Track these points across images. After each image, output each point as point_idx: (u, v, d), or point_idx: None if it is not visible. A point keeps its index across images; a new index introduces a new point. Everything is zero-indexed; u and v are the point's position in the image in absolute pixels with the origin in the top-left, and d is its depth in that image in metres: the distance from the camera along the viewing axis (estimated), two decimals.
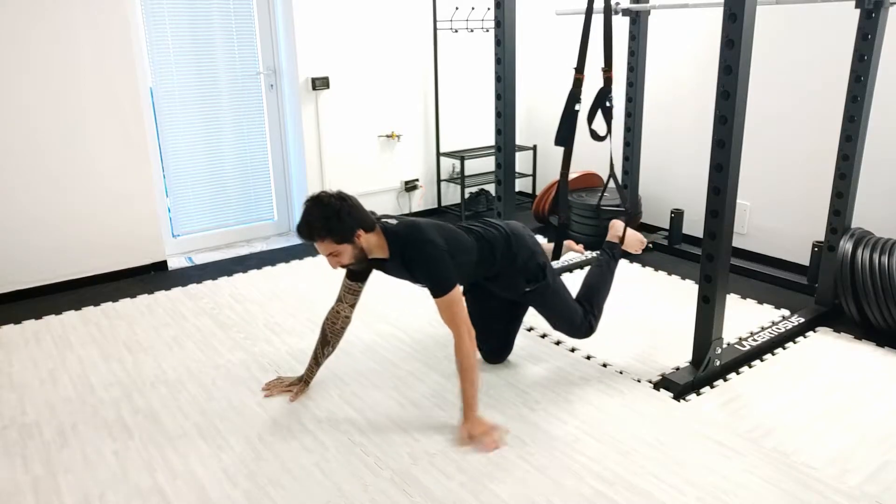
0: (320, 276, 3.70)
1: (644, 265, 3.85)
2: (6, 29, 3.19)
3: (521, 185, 5.41)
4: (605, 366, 2.69)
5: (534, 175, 5.24)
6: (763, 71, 3.56)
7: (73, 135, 3.46)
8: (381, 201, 4.76)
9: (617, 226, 2.85)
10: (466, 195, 5.03)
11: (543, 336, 2.95)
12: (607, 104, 2.56)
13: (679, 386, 2.48)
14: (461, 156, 4.78)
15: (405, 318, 3.16)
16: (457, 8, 4.70)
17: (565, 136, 2.60)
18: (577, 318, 2.59)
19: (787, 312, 3.18)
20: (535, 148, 5.12)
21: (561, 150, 2.68)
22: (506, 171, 3.15)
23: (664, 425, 2.28)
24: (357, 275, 2.41)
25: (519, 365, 2.69)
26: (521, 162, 5.23)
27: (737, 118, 2.26)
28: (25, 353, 2.87)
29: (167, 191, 4.06)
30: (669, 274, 3.71)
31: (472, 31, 4.82)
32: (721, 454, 2.12)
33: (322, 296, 3.44)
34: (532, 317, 2.77)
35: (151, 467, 2.10)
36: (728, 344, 2.77)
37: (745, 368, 2.68)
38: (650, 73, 4.03)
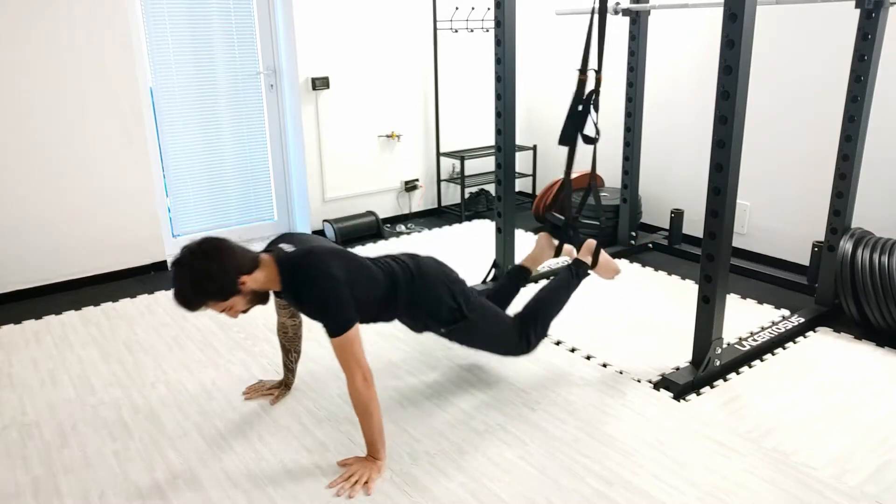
0: None
1: (644, 265, 3.85)
2: (6, 29, 3.19)
3: (521, 185, 5.41)
4: (605, 366, 2.69)
5: (534, 175, 5.24)
6: (763, 71, 3.56)
7: (73, 135, 3.46)
8: (381, 201, 4.76)
9: (590, 245, 2.68)
10: (466, 195, 5.03)
11: None
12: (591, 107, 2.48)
13: (679, 386, 2.49)
14: (461, 156, 4.78)
15: None
16: (457, 8, 4.70)
17: (570, 135, 2.57)
18: (511, 341, 2.43)
19: (787, 312, 3.18)
20: (535, 148, 5.12)
21: (564, 150, 2.66)
22: (506, 171, 3.15)
23: (664, 425, 2.28)
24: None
25: (519, 365, 2.69)
26: (521, 162, 5.23)
27: (737, 118, 2.26)
28: (25, 353, 2.87)
29: (167, 190, 4.05)
30: (669, 274, 3.71)
31: (472, 31, 4.82)
32: (721, 454, 2.12)
33: None
34: None
35: (151, 467, 2.10)
36: (728, 344, 2.77)
37: (745, 368, 2.68)
38: (650, 73, 4.03)
